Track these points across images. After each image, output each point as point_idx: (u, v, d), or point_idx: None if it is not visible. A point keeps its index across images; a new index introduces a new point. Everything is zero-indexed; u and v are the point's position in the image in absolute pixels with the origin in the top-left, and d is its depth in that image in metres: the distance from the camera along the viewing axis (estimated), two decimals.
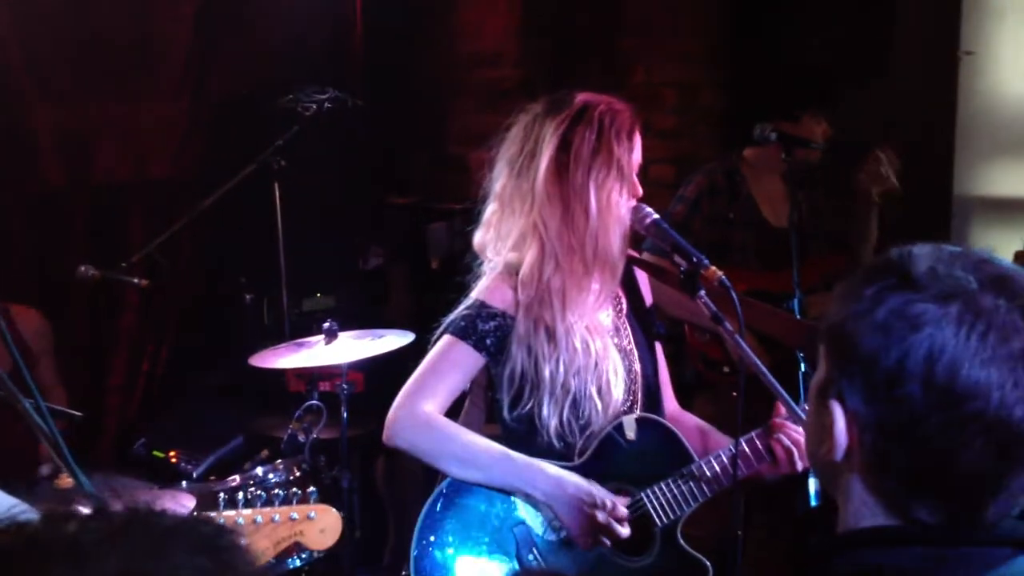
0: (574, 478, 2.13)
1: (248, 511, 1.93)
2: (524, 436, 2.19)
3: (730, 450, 2.16)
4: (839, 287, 1.03)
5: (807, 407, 1.14)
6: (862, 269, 1.02)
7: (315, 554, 2.86)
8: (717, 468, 2.17)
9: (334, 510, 2.01)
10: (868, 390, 0.96)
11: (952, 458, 0.94)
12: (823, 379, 1.03)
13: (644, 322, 2.35)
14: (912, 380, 0.93)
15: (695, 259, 2.09)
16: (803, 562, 1.01)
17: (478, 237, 2.24)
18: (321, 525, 1.97)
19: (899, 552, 0.97)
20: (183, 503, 2.41)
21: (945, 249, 0.99)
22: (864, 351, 0.96)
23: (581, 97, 2.18)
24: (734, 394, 3.32)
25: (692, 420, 2.40)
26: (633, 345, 2.28)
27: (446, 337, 2.17)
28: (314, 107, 3.67)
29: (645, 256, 2.99)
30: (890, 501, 0.99)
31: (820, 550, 1.01)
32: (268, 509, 1.93)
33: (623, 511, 2.12)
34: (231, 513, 1.96)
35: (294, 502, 1.94)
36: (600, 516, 2.09)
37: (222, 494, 2.54)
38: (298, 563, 2.82)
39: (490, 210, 2.23)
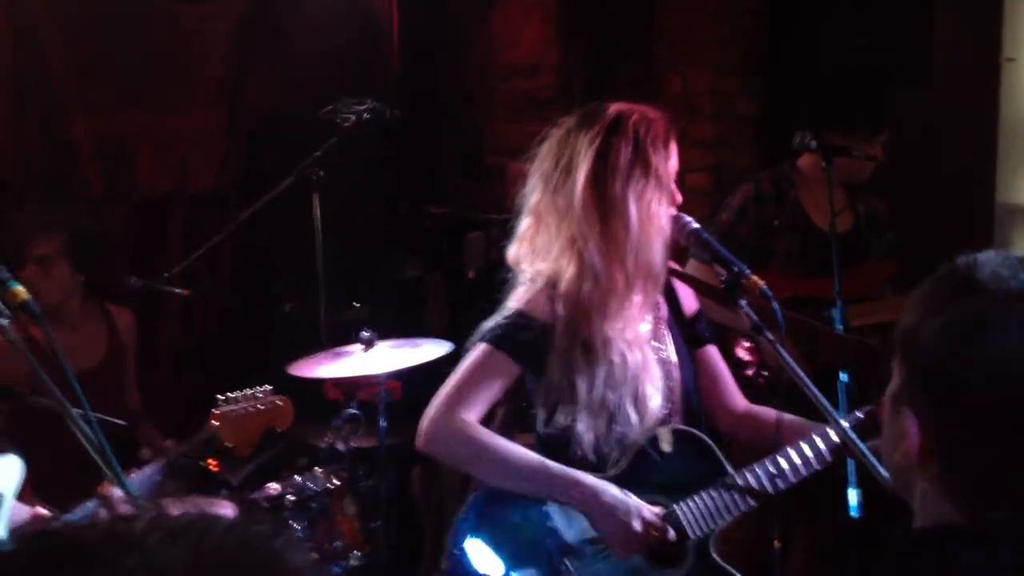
0: (610, 487, 2.13)
1: (231, 406, 2.46)
2: (559, 448, 2.19)
3: (767, 463, 2.14)
4: (909, 297, 1.05)
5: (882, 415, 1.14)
6: (930, 278, 1.03)
7: (352, 563, 2.88)
8: (752, 481, 2.15)
9: (287, 398, 2.55)
10: (937, 394, 0.98)
11: (1019, 456, 0.95)
12: (896, 387, 1.05)
13: (685, 330, 2.33)
14: (976, 386, 0.95)
15: (736, 269, 2.08)
16: (872, 562, 1.02)
17: (512, 251, 2.24)
18: (283, 411, 2.52)
19: (972, 551, 0.97)
20: (223, 511, 2.43)
21: (1010, 255, 1.01)
22: (932, 356, 0.98)
23: (614, 108, 2.16)
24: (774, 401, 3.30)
25: (771, 413, 2.32)
26: (673, 354, 2.26)
27: (482, 345, 2.17)
28: (352, 118, 3.69)
29: (690, 264, 2.97)
30: (964, 504, 1.00)
31: (894, 548, 1.01)
32: (249, 403, 2.47)
33: (658, 522, 2.11)
34: (223, 409, 2.46)
35: (260, 396, 2.51)
36: (636, 525, 2.09)
37: (264, 501, 2.59)
38: (338, 571, 2.84)
39: (524, 224, 2.22)
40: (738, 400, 2.38)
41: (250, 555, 0.66)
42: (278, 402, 2.53)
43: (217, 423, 2.47)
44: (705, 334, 2.37)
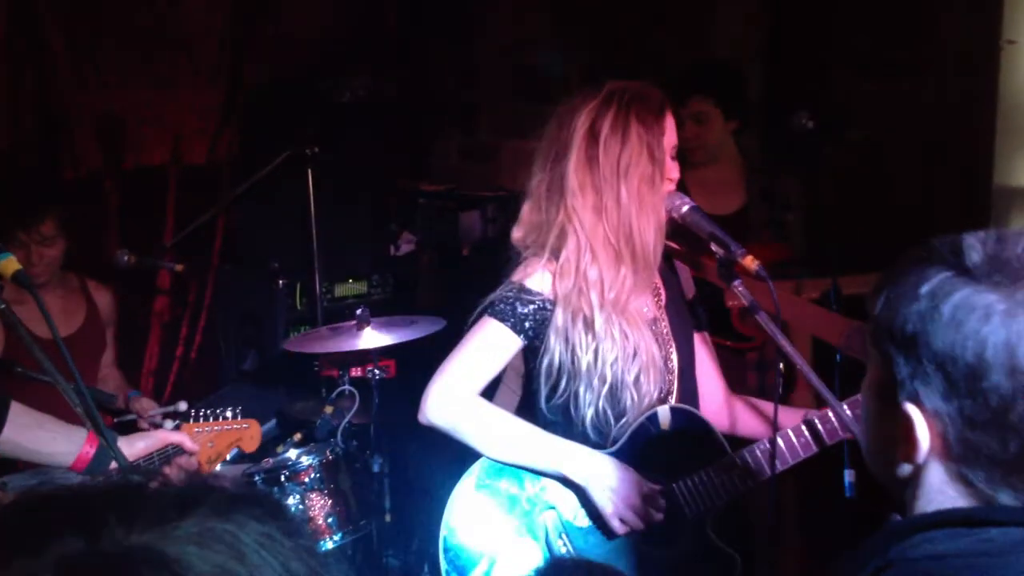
0: (609, 461, 2.13)
1: (202, 423, 2.54)
2: (559, 425, 2.20)
3: (766, 444, 2.14)
4: (876, 286, 1.02)
5: (861, 408, 1.12)
6: (902, 265, 1.00)
7: (346, 537, 2.89)
8: (751, 462, 2.15)
9: (256, 422, 2.59)
10: (948, 387, 0.95)
11: None
12: (882, 383, 1.02)
13: (683, 313, 2.33)
14: (995, 370, 0.93)
15: (731, 248, 2.08)
16: (867, 545, 1.00)
17: (516, 231, 2.24)
18: (251, 433, 2.58)
19: (972, 535, 0.96)
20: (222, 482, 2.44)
21: (990, 234, 0.99)
22: (938, 349, 0.95)
23: (609, 86, 2.17)
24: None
25: (753, 402, 2.37)
26: (671, 336, 2.26)
27: (485, 318, 2.18)
28: (348, 94, 3.68)
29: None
30: (974, 489, 0.99)
31: (892, 531, 1.00)
32: (215, 423, 2.54)
33: (659, 499, 2.12)
34: (193, 425, 2.51)
35: (231, 417, 2.57)
36: (634, 499, 2.09)
37: (257, 476, 2.59)
38: (330, 545, 2.84)
39: (527, 204, 2.23)
40: (722, 389, 2.39)
41: (253, 528, 0.66)
42: (244, 424, 2.57)
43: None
44: (701, 319, 2.37)
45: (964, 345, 0.94)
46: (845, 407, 2.10)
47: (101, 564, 0.62)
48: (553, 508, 2.18)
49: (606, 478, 2.11)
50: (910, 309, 0.97)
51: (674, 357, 2.26)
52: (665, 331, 2.26)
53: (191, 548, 0.63)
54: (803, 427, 2.16)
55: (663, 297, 2.29)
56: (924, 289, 0.96)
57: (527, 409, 2.29)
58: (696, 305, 2.38)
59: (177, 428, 2.47)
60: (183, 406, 3.12)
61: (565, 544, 2.16)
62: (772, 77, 4.14)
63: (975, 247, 0.97)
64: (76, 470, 2.16)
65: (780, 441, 2.14)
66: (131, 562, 0.62)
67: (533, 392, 2.23)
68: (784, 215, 3.35)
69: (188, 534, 0.64)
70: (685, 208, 2.17)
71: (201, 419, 2.54)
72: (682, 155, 3.38)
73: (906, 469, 1.02)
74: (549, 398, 2.19)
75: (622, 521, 2.11)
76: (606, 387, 2.14)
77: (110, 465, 2.15)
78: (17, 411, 2.14)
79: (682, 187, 3.34)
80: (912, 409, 0.98)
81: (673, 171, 2.18)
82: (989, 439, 0.95)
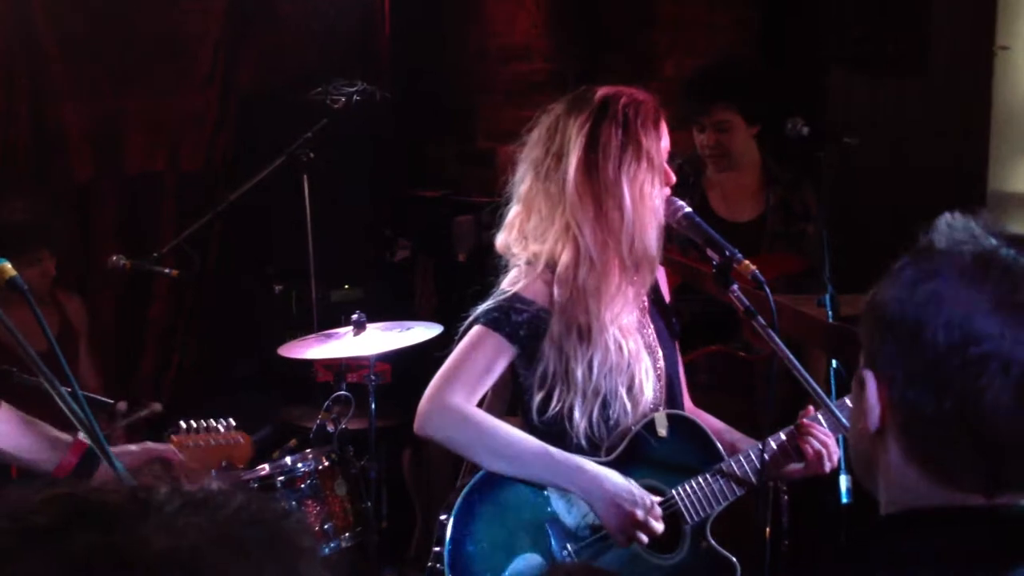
0: (612, 475, 2.11)
1: (191, 436, 2.43)
2: (552, 436, 2.17)
3: (760, 448, 2.14)
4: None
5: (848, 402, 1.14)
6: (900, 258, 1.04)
7: (342, 544, 2.88)
8: (747, 466, 2.15)
9: (248, 436, 2.52)
10: (896, 346, 0.99)
11: (976, 399, 0.95)
12: (860, 359, 1.05)
13: (665, 318, 2.33)
14: (930, 325, 0.96)
15: (728, 253, 2.07)
16: (842, 550, 1.02)
17: (501, 239, 2.21)
18: (242, 449, 2.48)
19: (935, 537, 0.97)
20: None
21: (957, 215, 1.03)
22: (891, 311, 1.00)
23: (602, 92, 2.14)
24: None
25: (712, 419, 2.38)
26: (656, 342, 2.26)
27: (478, 328, 2.14)
28: (343, 100, 3.68)
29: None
30: (927, 463, 0.99)
31: (860, 537, 1.01)
32: (206, 435, 2.44)
33: (658, 510, 2.11)
34: (183, 437, 2.41)
35: (222, 430, 2.46)
36: (639, 514, 2.08)
37: (254, 482, 2.58)
38: (326, 551, 2.84)
39: (514, 212, 2.19)
40: (687, 400, 2.38)
41: (261, 530, 0.69)
42: (240, 439, 2.47)
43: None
44: (677, 327, 2.37)
45: (911, 301, 0.98)
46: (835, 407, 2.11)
47: (114, 556, 0.64)
48: (557, 517, 2.16)
49: (609, 492, 2.09)
50: (880, 284, 1.02)
51: (661, 363, 2.25)
52: (651, 337, 2.25)
53: (202, 545, 0.66)
54: (795, 429, 2.16)
55: (646, 304, 2.28)
56: (896, 266, 1.01)
57: (513, 413, 2.28)
58: (671, 311, 2.38)
59: (166, 440, 2.37)
60: (158, 406, 3.08)
61: (569, 554, 2.14)
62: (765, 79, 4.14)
63: (940, 225, 1.01)
64: (57, 477, 2.14)
65: (773, 444, 2.14)
66: (143, 555, 0.64)
67: (524, 402, 2.20)
68: (804, 226, 3.32)
69: (200, 532, 0.66)
70: (680, 213, 2.16)
71: (192, 431, 2.42)
72: (703, 162, 3.37)
73: (868, 447, 1.04)
74: (542, 409, 2.16)
75: (626, 536, 2.09)
76: (599, 398, 2.13)
77: (94, 475, 2.12)
78: (4, 415, 2.13)
79: (700, 192, 3.35)
80: (868, 374, 1.02)
81: (670, 176, 2.17)
82: (925, 396, 0.97)
